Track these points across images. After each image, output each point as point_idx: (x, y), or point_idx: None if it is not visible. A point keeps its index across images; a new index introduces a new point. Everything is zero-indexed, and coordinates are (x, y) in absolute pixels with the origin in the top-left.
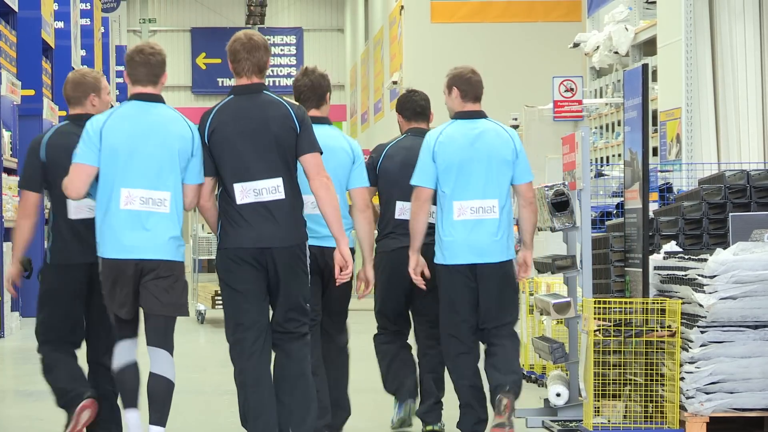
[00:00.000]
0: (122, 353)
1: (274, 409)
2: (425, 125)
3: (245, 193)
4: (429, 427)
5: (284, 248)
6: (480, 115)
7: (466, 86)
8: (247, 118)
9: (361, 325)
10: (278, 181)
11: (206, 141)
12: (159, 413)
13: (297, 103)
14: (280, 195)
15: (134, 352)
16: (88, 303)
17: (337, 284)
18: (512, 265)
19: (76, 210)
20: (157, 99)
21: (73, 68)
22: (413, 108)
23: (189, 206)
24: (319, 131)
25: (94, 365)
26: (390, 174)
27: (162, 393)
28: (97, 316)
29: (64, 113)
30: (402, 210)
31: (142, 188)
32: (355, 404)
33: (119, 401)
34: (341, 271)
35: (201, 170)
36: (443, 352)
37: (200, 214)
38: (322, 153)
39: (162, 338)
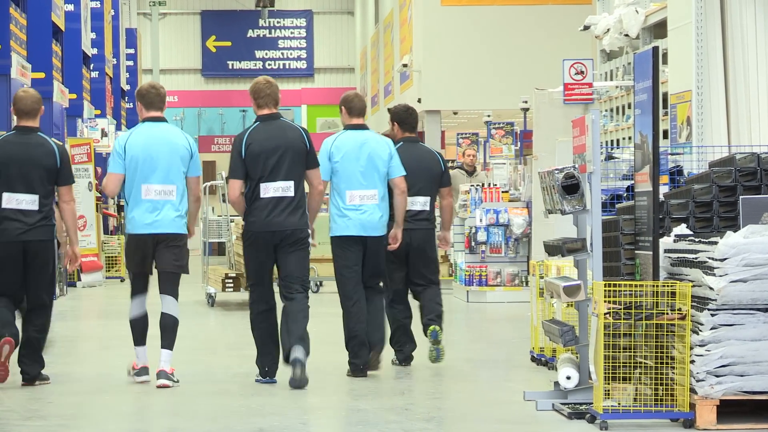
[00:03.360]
0: (137, 307)
1: (277, 342)
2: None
3: (268, 189)
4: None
5: (288, 231)
6: (364, 127)
7: (350, 106)
8: (273, 138)
9: None
10: (291, 183)
11: (243, 154)
12: (168, 340)
13: (304, 127)
14: (291, 193)
15: (145, 305)
16: (26, 271)
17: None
18: (386, 239)
19: (7, 201)
20: (163, 119)
21: (84, 51)
22: (412, 123)
23: (196, 194)
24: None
25: (27, 315)
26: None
27: (170, 326)
28: (33, 281)
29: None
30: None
31: (157, 183)
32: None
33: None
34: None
35: (200, 166)
36: (341, 304)
37: (232, 207)
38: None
39: (171, 288)
